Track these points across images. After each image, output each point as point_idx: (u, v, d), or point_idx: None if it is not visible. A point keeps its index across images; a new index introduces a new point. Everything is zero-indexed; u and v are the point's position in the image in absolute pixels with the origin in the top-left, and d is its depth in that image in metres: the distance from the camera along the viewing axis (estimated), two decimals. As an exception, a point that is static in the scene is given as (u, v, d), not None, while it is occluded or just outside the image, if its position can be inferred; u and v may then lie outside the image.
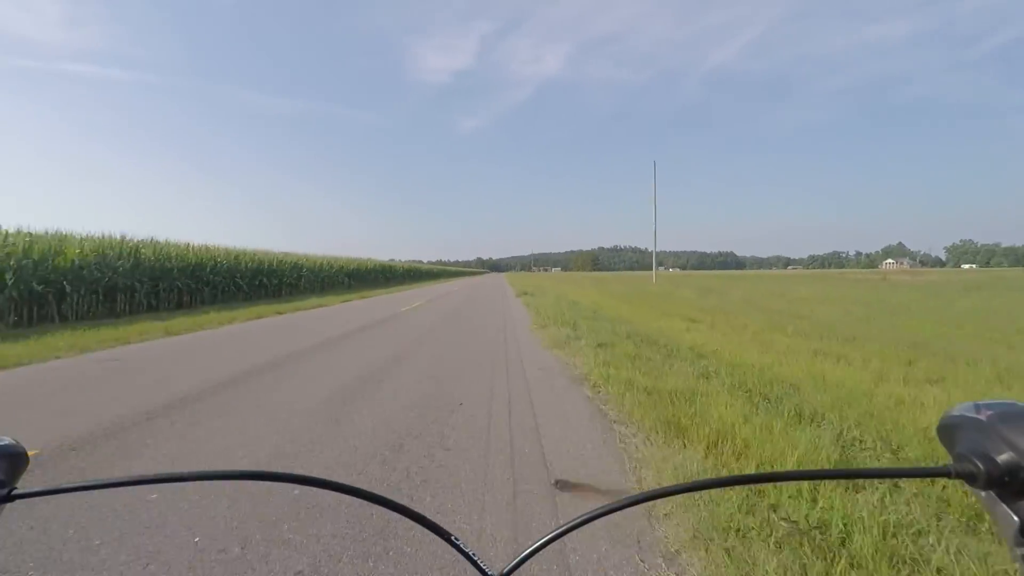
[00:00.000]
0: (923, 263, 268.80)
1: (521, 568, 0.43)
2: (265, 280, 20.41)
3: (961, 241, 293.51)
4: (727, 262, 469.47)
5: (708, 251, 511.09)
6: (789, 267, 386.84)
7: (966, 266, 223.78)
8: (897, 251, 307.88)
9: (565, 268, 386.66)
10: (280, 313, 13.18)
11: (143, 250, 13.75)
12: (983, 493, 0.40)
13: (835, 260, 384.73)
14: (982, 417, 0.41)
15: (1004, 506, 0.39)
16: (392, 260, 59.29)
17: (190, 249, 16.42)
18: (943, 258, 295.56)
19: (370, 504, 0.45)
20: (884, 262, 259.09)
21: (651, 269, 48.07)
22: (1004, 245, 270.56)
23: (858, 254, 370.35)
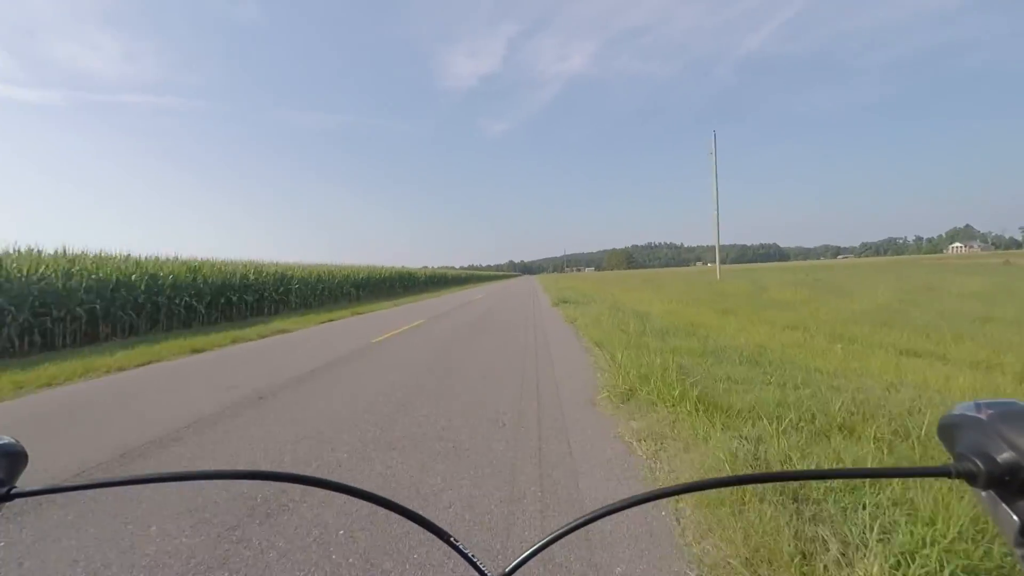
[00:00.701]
0: (996, 246, 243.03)
1: (521, 570, 0.42)
2: (234, 297, 16.18)
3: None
4: (770, 254, 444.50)
5: (748, 243, 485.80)
6: (839, 256, 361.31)
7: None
8: (965, 234, 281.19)
9: (599, 268, 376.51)
10: (196, 351, 8.60)
11: (6, 262, 9.46)
12: (983, 493, 0.39)
13: (892, 246, 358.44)
14: (982, 416, 0.40)
15: (1004, 506, 0.38)
16: (425, 267, 58.56)
17: (112, 260, 12.21)
18: (1019, 239, 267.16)
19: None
20: (951, 246, 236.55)
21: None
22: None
23: (918, 239, 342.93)
